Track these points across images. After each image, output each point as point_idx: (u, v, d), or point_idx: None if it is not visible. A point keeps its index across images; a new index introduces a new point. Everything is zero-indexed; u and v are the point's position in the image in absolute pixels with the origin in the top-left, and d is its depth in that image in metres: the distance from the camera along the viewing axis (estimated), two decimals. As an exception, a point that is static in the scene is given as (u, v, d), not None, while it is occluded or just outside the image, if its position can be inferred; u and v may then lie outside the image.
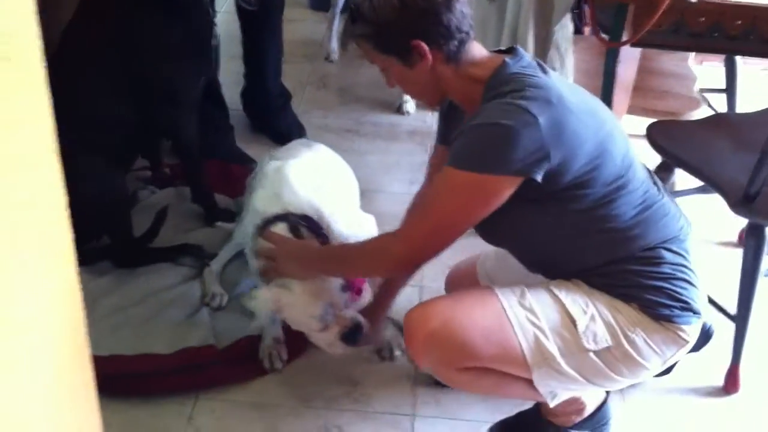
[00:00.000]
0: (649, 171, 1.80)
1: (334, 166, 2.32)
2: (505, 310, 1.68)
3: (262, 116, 3.25)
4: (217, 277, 2.42)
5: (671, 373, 2.01)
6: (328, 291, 1.89)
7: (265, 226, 2.00)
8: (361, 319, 1.94)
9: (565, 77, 2.36)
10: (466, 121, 1.65)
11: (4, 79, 0.87)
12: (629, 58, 2.35)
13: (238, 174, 2.89)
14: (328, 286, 1.89)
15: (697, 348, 1.84)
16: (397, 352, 2.23)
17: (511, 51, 1.70)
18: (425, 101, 1.88)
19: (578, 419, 1.95)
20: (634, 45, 2.27)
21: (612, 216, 1.66)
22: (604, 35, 2.35)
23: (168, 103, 2.42)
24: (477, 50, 1.69)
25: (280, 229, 1.99)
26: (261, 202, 2.07)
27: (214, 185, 2.73)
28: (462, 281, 2.10)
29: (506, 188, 1.57)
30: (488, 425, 2.03)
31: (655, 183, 1.77)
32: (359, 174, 2.43)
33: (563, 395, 1.81)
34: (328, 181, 2.20)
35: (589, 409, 1.96)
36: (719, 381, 2.21)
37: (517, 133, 1.52)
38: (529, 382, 1.72)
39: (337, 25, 3.81)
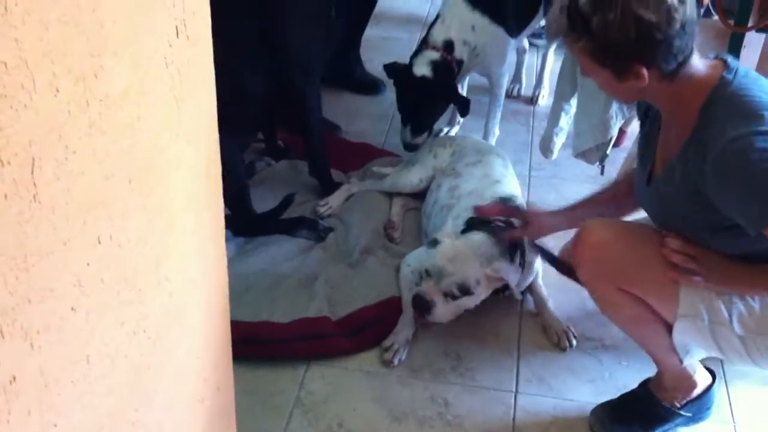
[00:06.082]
0: None
1: None
2: None
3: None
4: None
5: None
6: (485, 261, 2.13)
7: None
8: (434, 310, 2.11)
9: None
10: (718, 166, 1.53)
11: (188, 56, 0.93)
12: (753, 44, 2.30)
13: (353, 149, 2.96)
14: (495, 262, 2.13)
15: None
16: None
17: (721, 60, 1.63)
18: (623, 102, 1.94)
19: (685, 399, 1.96)
20: (759, 30, 2.22)
21: None
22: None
23: (301, 74, 2.45)
24: (695, 64, 1.60)
25: None
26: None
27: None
28: None
29: None
30: (591, 407, 2.03)
31: None
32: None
33: (696, 354, 1.82)
34: None
35: (698, 390, 1.97)
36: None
37: None
38: (670, 332, 1.74)
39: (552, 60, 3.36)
